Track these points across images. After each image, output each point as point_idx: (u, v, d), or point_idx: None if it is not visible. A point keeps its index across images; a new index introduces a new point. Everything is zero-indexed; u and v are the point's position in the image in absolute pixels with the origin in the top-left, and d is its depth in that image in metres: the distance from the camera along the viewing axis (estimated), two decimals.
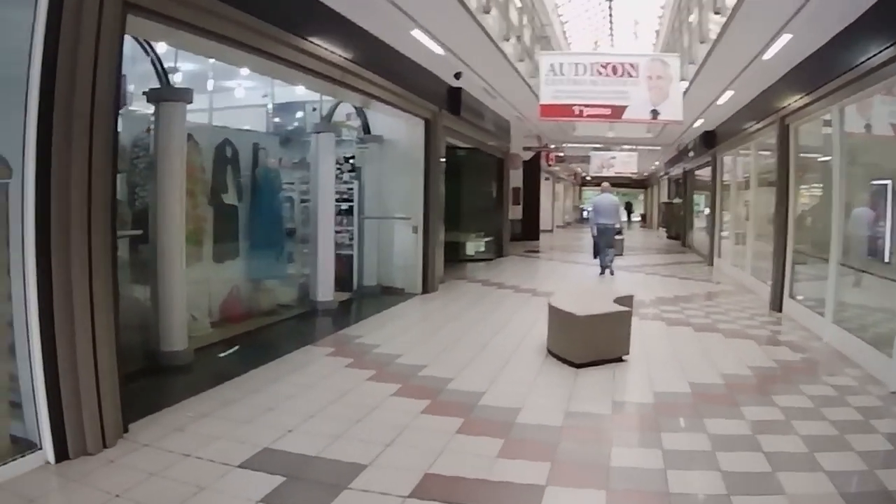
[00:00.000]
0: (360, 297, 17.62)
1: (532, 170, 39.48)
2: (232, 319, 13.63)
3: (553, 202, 54.45)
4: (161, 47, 11.13)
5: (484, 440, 7.62)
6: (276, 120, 18.48)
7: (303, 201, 16.38)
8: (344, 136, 18.12)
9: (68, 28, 6.61)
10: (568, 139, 36.85)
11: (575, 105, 18.28)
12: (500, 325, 14.21)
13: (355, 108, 17.83)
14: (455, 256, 26.19)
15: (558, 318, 11.52)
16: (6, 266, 6.70)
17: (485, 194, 30.46)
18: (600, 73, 18.12)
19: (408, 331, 13.88)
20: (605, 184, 26.66)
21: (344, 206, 17.77)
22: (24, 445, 6.72)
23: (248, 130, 15.15)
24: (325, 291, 15.62)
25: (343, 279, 17.53)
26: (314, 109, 17.01)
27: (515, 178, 35.30)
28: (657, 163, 53.91)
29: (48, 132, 6.54)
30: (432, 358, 11.28)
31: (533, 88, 20.62)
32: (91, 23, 6.79)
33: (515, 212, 36.52)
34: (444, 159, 20.08)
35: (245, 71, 15.03)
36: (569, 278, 23.53)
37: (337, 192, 17.15)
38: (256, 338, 12.99)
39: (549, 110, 18.47)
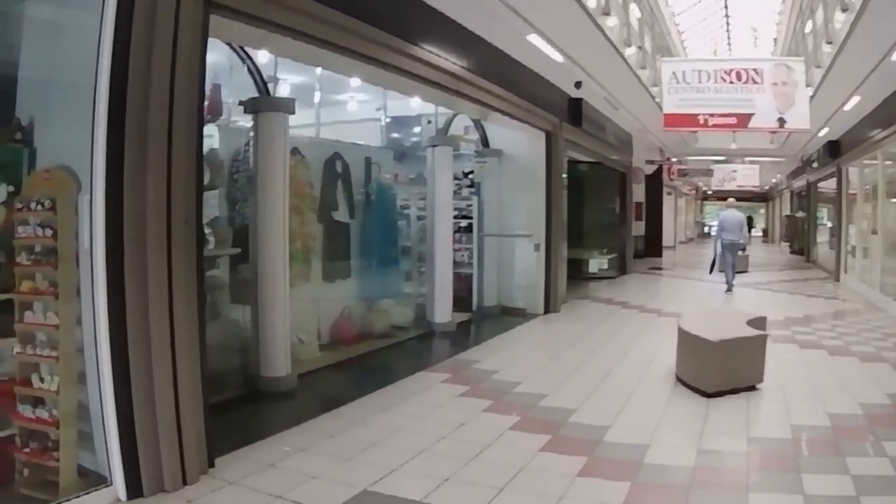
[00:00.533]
0: (480, 318, 16.68)
1: (654, 184, 38.06)
2: (343, 342, 12.86)
3: (675, 217, 52.52)
4: (263, 57, 10.39)
5: (608, 485, 6.64)
6: (392, 135, 17.53)
7: (419, 218, 15.62)
8: (462, 150, 17.11)
9: (141, 30, 5.93)
10: (690, 152, 35.41)
11: (700, 114, 17.44)
12: (624, 349, 13.18)
13: (472, 120, 16.89)
14: (577, 274, 24.96)
15: (689, 342, 10.44)
16: (76, 287, 6.15)
17: (608, 210, 29.52)
18: (724, 80, 17.32)
19: (528, 355, 12.99)
20: (731, 199, 26.26)
21: (463, 223, 16.86)
22: (93, 479, 6.13)
23: (359, 144, 14.36)
24: (443, 312, 14.75)
25: (462, 299, 16.56)
26: (429, 122, 16.07)
27: (637, 192, 34.11)
28: (779, 175, 52.52)
29: (119, 144, 5.86)
30: (553, 386, 10.28)
31: (655, 98, 19.69)
32: (167, 24, 6.09)
33: (638, 228, 35.26)
34: (565, 174, 19.06)
35: (356, 83, 14.08)
36: (694, 297, 22.48)
37: (455, 209, 16.30)
38: (368, 362, 12.17)
39: (674, 120, 17.63)
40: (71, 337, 6.08)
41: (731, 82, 17.29)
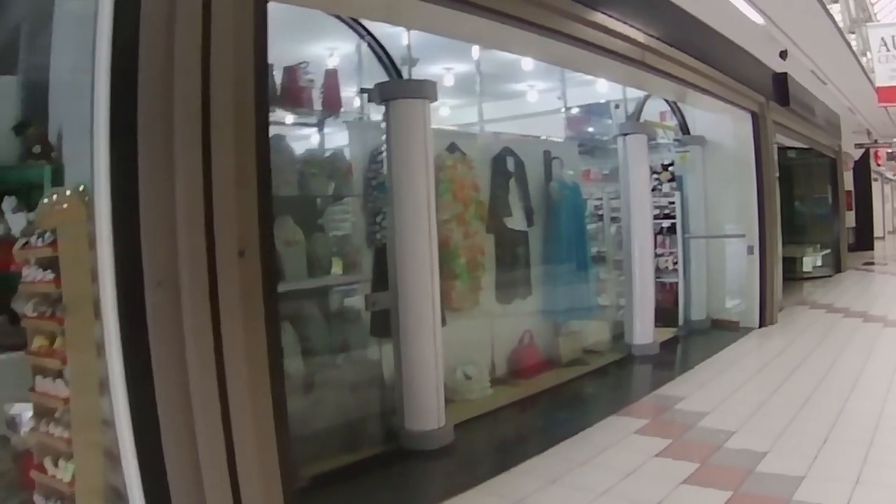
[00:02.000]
0: (687, 334, 14.30)
1: (861, 170, 35.09)
2: (523, 374, 10.72)
3: (883, 206, 49.25)
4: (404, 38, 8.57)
5: None
6: (580, 127, 15.54)
7: (615, 220, 13.54)
8: (659, 138, 15.02)
9: None
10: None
11: None
12: (853, 376, 10.55)
13: (668, 104, 14.70)
14: (790, 274, 22.29)
15: None
16: (93, 346, 4.24)
17: (819, 200, 26.81)
18: None
19: (742, 388, 10.38)
20: None
21: (665, 223, 14.55)
22: None
23: (535, 137, 12.43)
24: (644, 332, 12.42)
25: (666, 312, 14.27)
26: (617, 107, 13.78)
27: (847, 180, 30.98)
28: None
29: (130, 151, 3.87)
30: (774, 438, 7.73)
31: (865, 69, 17.03)
32: None
33: (849, 219, 31.92)
34: (776, 163, 16.60)
35: (531, 68, 12.58)
36: None
37: (655, 207, 14.16)
38: (550, 400, 10.05)
39: (889, 94, 15.15)
40: (86, 412, 4.36)
41: None
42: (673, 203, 14.55)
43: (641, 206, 12.51)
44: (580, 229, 12.09)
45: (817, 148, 23.58)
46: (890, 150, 37.30)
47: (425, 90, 8.11)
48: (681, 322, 14.51)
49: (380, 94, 8.08)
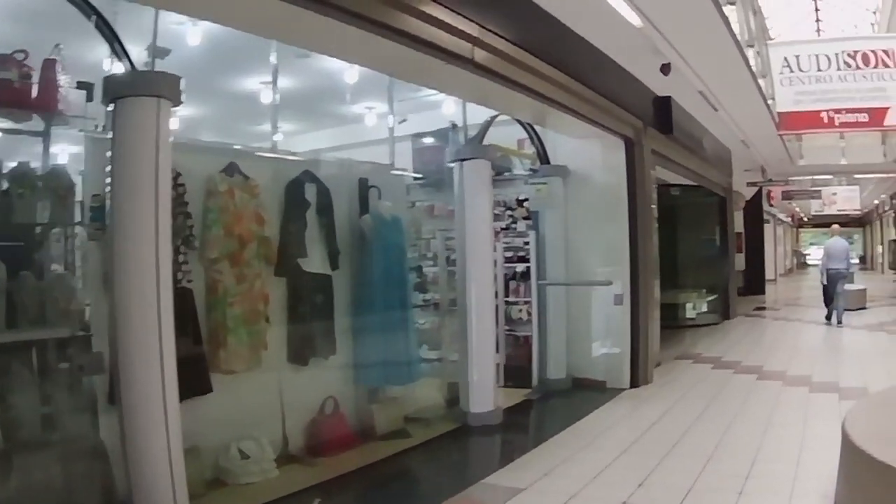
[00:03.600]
0: (542, 397, 12.26)
1: (753, 210, 34.49)
2: (326, 450, 8.71)
3: (775, 247, 49.36)
4: None
5: None
6: (428, 155, 14.05)
7: (453, 261, 11.38)
8: (515, 170, 13.53)
9: None
10: (792, 171, 30.89)
11: (823, 111, 13.21)
12: (749, 457, 8.46)
13: (526, 128, 12.70)
14: (672, 322, 20.64)
15: (869, 470, 5.67)
16: None
17: (706, 242, 25.17)
18: (848, 66, 13.34)
19: (601, 476, 8.03)
20: (835, 226, 24.15)
21: (520, 266, 12.82)
22: None
23: (347, 160, 10.50)
24: (482, 397, 10.28)
25: (521, 370, 12.53)
26: (454, 127, 11.99)
27: (737, 221, 29.94)
28: (882, 196, 48.33)
29: None
30: None
31: (763, 94, 15.33)
32: None
33: (738, 261, 31.19)
34: (654, 199, 14.72)
35: (367, 84, 11.76)
36: (818, 350, 17.85)
37: (509, 248, 12.93)
38: (353, 486, 7.97)
39: (792, 120, 13.71)
40: None
41: (858, 68, 13.28)
42: (528, 244, 12.74)
43: (481, 244, 10.51)
44: (401, 273, 9.98)
45: (706, 185, 21.82)
46: (785, 189, 36.10)
47: (159, 86, 6.16)
48: (535, 382, 12.55)
49: (105, 91, 6.17)
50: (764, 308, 28.41)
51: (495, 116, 11.13)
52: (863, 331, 20.03)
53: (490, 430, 10.03)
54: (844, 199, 42.80)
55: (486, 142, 11.07)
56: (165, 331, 5.99)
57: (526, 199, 13.07)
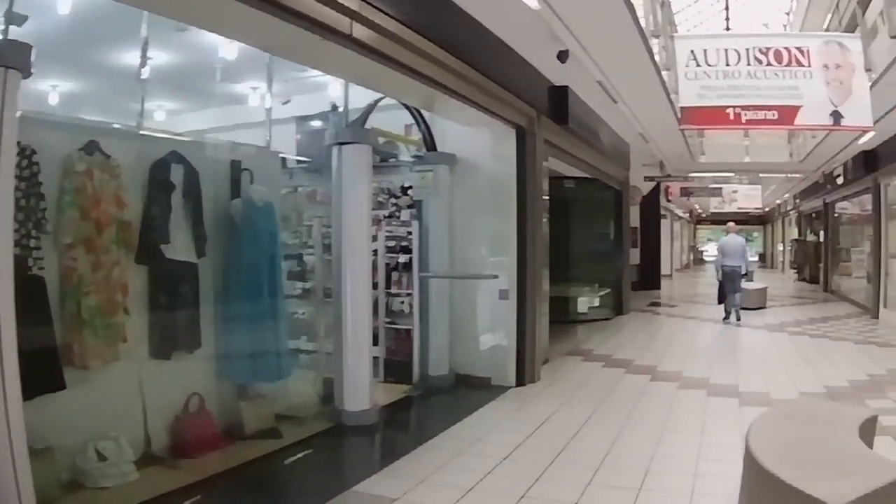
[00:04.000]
0: (424, 393, 11.82)
1: (650, 206, 34.15)
2: (191, 451, 8.16)
3: (671, 243, 49.30)
4: None
5: None
6: (313, 138, 13.42)
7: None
8: (401, 156, 12.98)
9: None
10: (693, 168, 30.31)
11: (730, 107, 12.89)
12: (642, 468, 8.02)
13: (412, 113, 12.18)
14: (563, 316, 20.46)
15: (775, 493, 5.17)
16: None
17: (600, 236, 24.91)
18: (759, 62, 12.99)
19: (483, 485, 7.56)
20: (731, 224, 24.00)
21: (403, 257, 12.33)
22: None
23: (218, 142, 10.13)
24: (357, 395, 9.75)
25: (400, 365, 12.08)
26: (336, 109, 11.48)
27: (633, 215, 29.67)
28: (786, 196, 48.82)
29: None
30: None
31: (666, 87, 14.95)
32: None
33: (633, 256, 30.89)
34: (546, 190, 14.19)
35: (251, 62, 10.75)
36: (720, 351, 17.30)
37: (392, 238, 12.48)
38: (219, 490, 7.45)
39: (694, 116, 13.23)
40: None
41: (770, 64, 12.94)
42: (411, 234, 12.26)
43: (357, 231, 9.97)
44: (271, 261, 9.42)
45: (602, 178, 21.55)
46: (684, 185, 36.05)
47: (6, 55, 5.54)
48: (416, 378, 12.08)
49: None
50: (659, 304, 28.21)
51: (379, 100, 10.70)
52: (763, 331, 19.87)
53: (365, 431, 9.56)
54: (745, 197, 43.22)
55: (369, 126, 10.51)
56: (5, 321, 5.34)
57: (411, 187, 12.62)
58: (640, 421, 10.13)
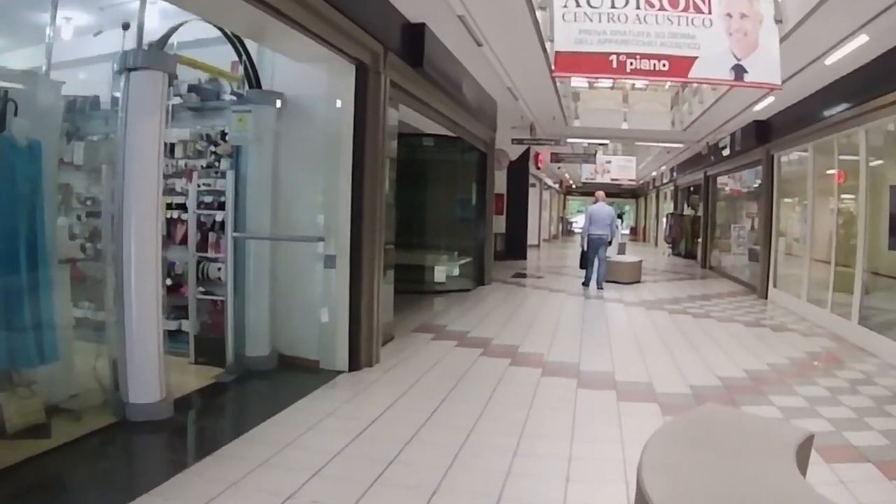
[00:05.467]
0: (238, 378, 9.96)
1: (518, 173, 33.33)
2: None
3: (540, 212, 48.12)
4: None
5: None
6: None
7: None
8: (225, 94, 10.92)
9: None
10: (566, 133, 28.72)
11: (613, 54, 11.31)
12: (495, 486, 6.39)
13: (236, 45, 10.13)
14: (418, 286, 19.51)
15: None
16: None
17: (462, 201, 23.21)
18: (651, 6, 11.47)
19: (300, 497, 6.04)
20: (600, 192, 24.66)
21: (220, 215, 10.57)
22: None
23: None
24: (144, 385, 7.83)
25: (215, 343, 10.36)
26: (126, 28, 9.30)
27: (499, 182, 28.67)
28: (662, 168, 48.45)
29: None
30: None
31: (541, 32, 13.74)
32: None
33: (498, 224, 29.90)
34: (394, 142, 12.40)
35: None
36: (593, 330, 15.47)
37: (210, 192, 10.67)
38: None
39: (571, 62, 11.55)
40: None
41: (663, 9, 11.43)
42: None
43: (144, 180, 7.94)
44: (33, 216, 7.40)
45: (465, 138, 19.77)
46: (556, 151, 34.18)
47: None
48: (229, 360, 10.26)
49: None
50: (524, 275, 26.84)
51: (184, 23, 8.79)
52: (639, 308, 18.47)
53: (154, 429, 7.66)
54: (619, 168, 42.55)
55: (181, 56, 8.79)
56: None
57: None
58: (494, 422, 8.33)
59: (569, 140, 30.89)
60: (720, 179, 31.31)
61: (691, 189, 40.63)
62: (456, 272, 21.80)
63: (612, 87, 31.26)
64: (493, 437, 7.73)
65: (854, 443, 7.73)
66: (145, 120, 7.88)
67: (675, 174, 44.51)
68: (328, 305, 10.53)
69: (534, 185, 40.99)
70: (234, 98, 10.59)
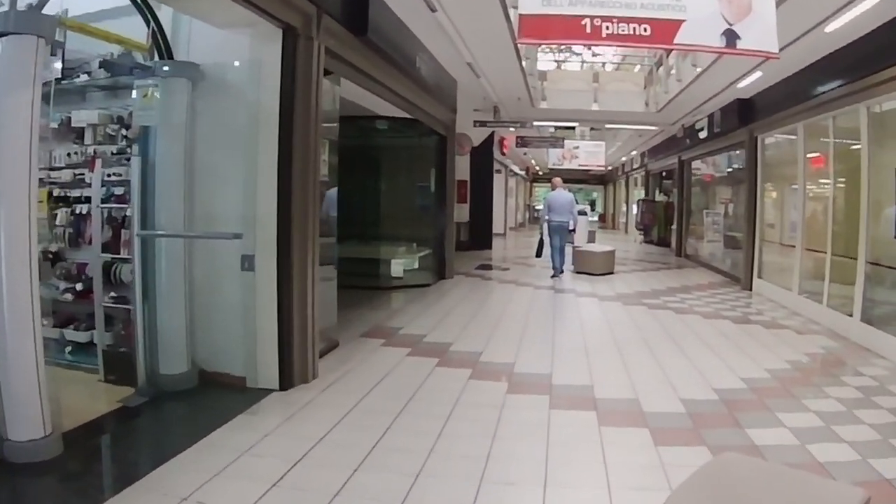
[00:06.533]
0: (150, 401, 8.48)
1: (482, 158, 32.43)
2: None
3: (506, 200, 47.40)
4: None
5: None
6: None
7: None
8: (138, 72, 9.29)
9: None
10: (533, 115, 27.54)
11: (586, 17, 10.05)
12: None
13: (141, 8, 8.71)
14: (372, 281, 18.53)
15: None
16: None
17: (420, 189, 21.93)
18: None
19: None
20: (557, 179, 24.34)
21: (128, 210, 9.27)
22: None
23: None
24: (25, 418, 6.45)
25: (126, 358, 8.90)
26: None
27: (461, 168, 27.57)
28: (633, 153, 47.68)
29: None
30: None
31: None
32: None
33: (461, 213, 28.91)
34: (336, 124, 11.05)
35: None
36: (566, 333, 13.97)
37: (121, 184, 9.21)
38: None
39: (537, 27, 10.20)
40: None
41: None
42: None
43: (14, 166, 6.50)
44: None
45: (422, 119, 18.41)
46: (521, 135, 33.17)
47: None
48: (140, 378, 8.82)
49: None
50: (489, 266, 25.72)
51: None
52: (614, 304, 17.08)
53: (36, 471, 6.30)
54: (588, 154, 40.70)
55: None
56: None
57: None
58: (447, 462, 6.88)
59: (535, 123, 29.97)
60: (696, 164, 30.48)
61: (663, 174, 40.03)
62: (415, 265, 20.65)
63: (581, 68, 30.27)
64: (444, 483, 6.36)
65: (888, 475, 6.51)
66: (14, 94, 6.46)
67: (645, 159, 43.85)
68: (254, 312, 9.08)
69: (499, 172, 40.18)
70: (136, 70, 9.11)
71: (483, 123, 26.28)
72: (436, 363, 10.62)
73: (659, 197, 41.01)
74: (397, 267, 19.75)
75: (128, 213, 9.11)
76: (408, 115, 17.21)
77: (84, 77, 9.53)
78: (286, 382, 9.00)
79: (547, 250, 23.38)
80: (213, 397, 8.72)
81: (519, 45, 15.20)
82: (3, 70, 6.44)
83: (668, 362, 10.95)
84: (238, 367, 9.09)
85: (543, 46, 25.03)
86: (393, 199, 20.88)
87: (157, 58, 9.10)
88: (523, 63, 18.73)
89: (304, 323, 9.25)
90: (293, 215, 9.06)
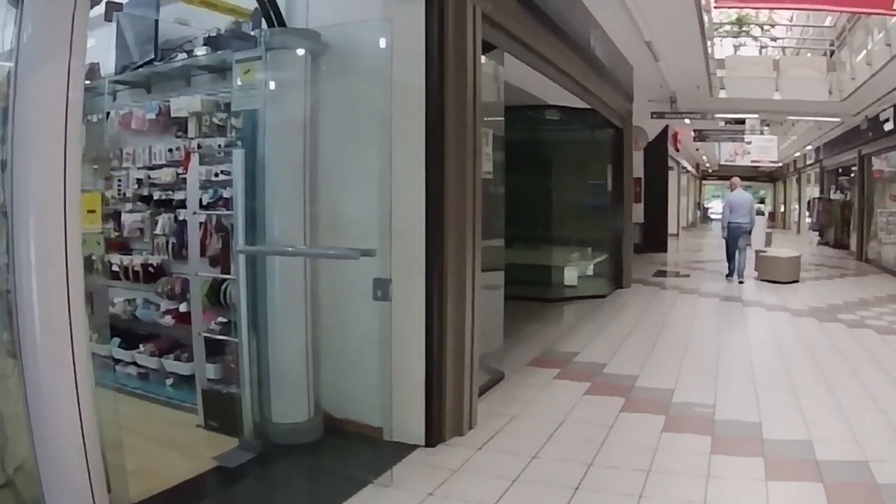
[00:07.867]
0: (257, 459, 6.71)
1: (657, 154, 31.21)
2: None
3: (679, 198, 45.76)
4: None
5: None
6: None
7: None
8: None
9: None
10: (710, 106, 26.20)
11: None
12: None
13: None
14: (541, 293, 16.71)
15: None
16: None
17: (595, 187, 19.83)
18: None
19: None
20: (736, 178, 23.64)
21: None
22: None
23: None
24: (67, 496, 4.59)
25: (224, 401, 7.33)
26: None
27: (635, 165, 24.70)
28: (807, 148, 44.58)
29: None
30: None
31: None
32: None
33: (636, 213, 26.45)
34: (498, 104, 9.34)
35: None
36: (765, 360, 11.09)
37: (224, 179, 7.84)
38: None
39: None
40: None
41: None
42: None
43: (42, 165, 4.60)
44: None
45: (598, 108, 16.45)
46: (701, 129, 32.04)
47: None
48: (247, 428, 7.03)
49: None
50: (665, 273, 23.93)
51: None
52: (810, 320, 14.34)
53: None
54: (760, 149, 41.61)
55: None
56: None
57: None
58: None
59: (717, 115, 28.85)
60: (877, 158, 28.36)
61: (839, 170, 38.20)
62: (590, 272, 18.97)
63: (759, 53, 28.76)
64: None
65: None
66: (45, 67, 4.59)
67: (820, 154, 41.51)
68: (388, 346, 7.14)
69: (672, 169, 38.23)
70: (236, 41, 7.30)
71: (661, 115, 25.54)
72: (621, 404, 8.50)
73: (834, 195, 38.91)
74: (570, 275, 18.13)
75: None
76: (580, 105, 15.45)
77: (182, 56, 8.13)
78: (434, 436, 7.08)
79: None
80: (335, 456, 6.91)
81: (707, 15, 13.40)
82: (30, 48, 4.61)
83: (888, 405, 8.41)
84: (373, 415, 7.25)
85: (721, 28, 23.68)
86: (564, 198, 19.11)
87: (264, 25, 7.22)
88: (707, 44, 17.05)
89: (459, 359, 7.31)
90: (447, 225, 7.11)
